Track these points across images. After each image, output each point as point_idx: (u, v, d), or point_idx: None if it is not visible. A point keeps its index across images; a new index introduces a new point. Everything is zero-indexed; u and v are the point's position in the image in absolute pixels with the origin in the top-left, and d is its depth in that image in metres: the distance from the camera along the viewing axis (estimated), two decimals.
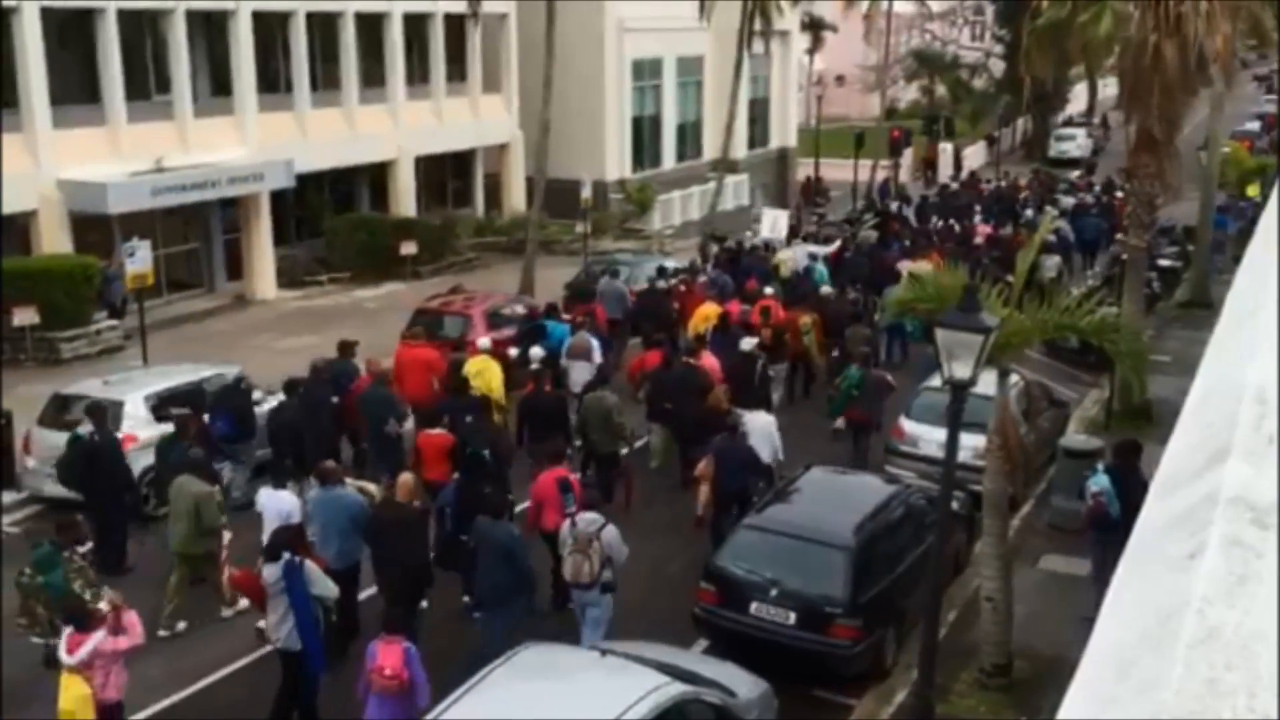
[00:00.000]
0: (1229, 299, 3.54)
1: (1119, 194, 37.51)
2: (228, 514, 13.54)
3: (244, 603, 13.16)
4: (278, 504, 12.78)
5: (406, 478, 12.74)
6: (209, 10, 28.32)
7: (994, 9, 64.81)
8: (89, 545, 11.88)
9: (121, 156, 25.88)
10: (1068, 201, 40.57)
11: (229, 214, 29.53)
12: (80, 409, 15.94)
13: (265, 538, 11.80)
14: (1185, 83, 17.93)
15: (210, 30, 29.00)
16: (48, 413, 16.70)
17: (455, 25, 34.85)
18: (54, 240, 24.77)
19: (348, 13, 31.56)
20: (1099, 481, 13.26)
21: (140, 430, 15.89)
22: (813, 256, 28.96)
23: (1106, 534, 12.63)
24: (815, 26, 54.41)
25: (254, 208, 29.03)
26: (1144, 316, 21.15)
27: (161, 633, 12.63)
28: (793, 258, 29.16)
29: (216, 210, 29.23)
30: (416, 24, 34.22)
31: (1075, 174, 51.60)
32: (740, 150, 43.45)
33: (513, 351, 19.46)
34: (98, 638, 9.93)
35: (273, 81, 30.84)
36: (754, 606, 11.98)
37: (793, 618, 11.84)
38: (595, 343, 19.45)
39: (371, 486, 13.59)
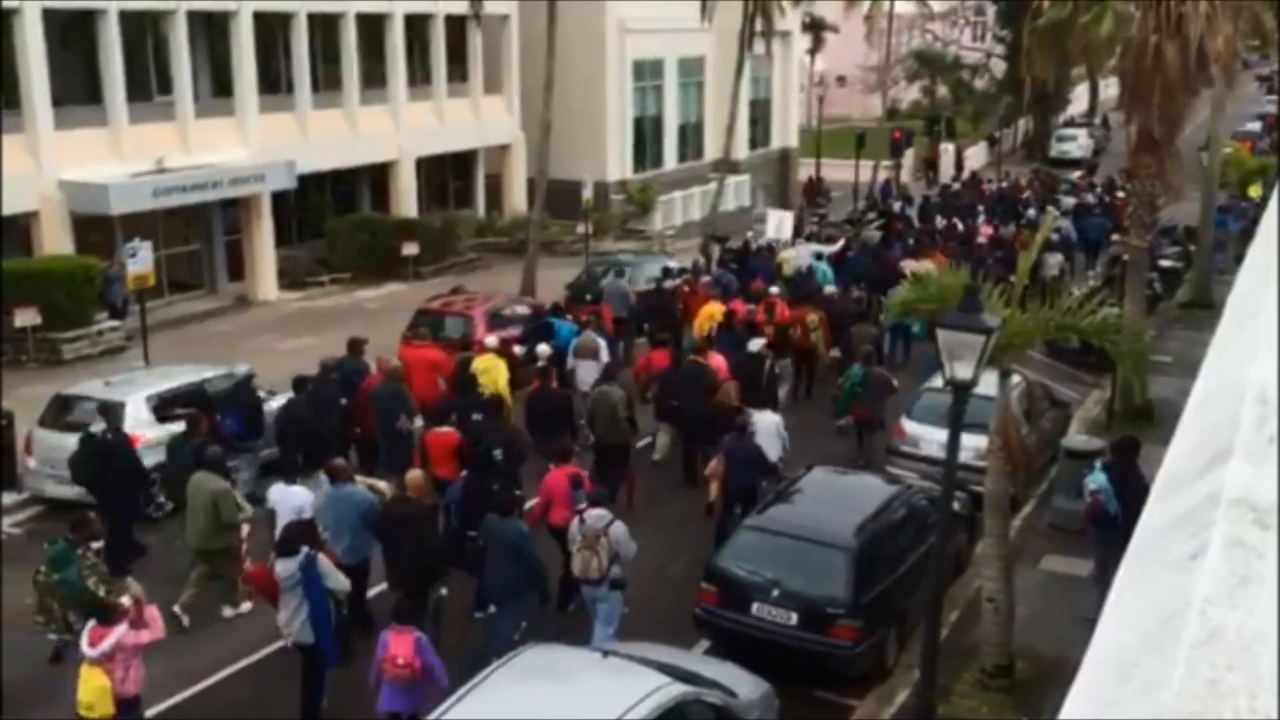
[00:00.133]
0: (1230, 300, 3.53)
1: (1120, 194, 37.48)
2: (245, 509, 13.57)
3: (246, 605, 13.22)
4: (291, 499, 12.83)
5: (417, 474, 12.79)
6: (210, 11, 28.34)
7: (995, 9, 64.71)
8: (101, 542, 11.93)
9: (123, 157, 25.90)
10: (1069, 202, 40.57)
11: (230, 215, 29.55)
12: (81, 410, 16.02)
13: (279, 533, 11.82)
14: (1186, 83, 17.93)
15: (211, 31, 29.01)
16: (49, 414, 16.69)
17: (456, 26, 34.88)
18: (55, 241, 24.80)
19: (349, 13, 31.56)
20: (1097, 479, 13.29)
21: (141, 431, 15.89)
22: (818, 256, 28.96)
23: (1106, 531, 12.68)
24: (816, 27, 54.42)
25: (255, 208, 29.04)
26: (1145, 317, 21.12)
27: (175, 609, 12.65)
28: (796, 257, 29.20)
29: (218, 211, 29.25)
30: (418, 25, 34.23)
31: (1076, 174, 51.60)
32: (741, 151, 43.45)
33: (519, 349, 19.59)
34: (120, 631, 9.96)
35: (274, 82, 30.85)
36: (755, 607, 11.98)
37: (794, 618, 11.84)
38: (603, 342, 19.59)
39: (382, 484, 13.63)
